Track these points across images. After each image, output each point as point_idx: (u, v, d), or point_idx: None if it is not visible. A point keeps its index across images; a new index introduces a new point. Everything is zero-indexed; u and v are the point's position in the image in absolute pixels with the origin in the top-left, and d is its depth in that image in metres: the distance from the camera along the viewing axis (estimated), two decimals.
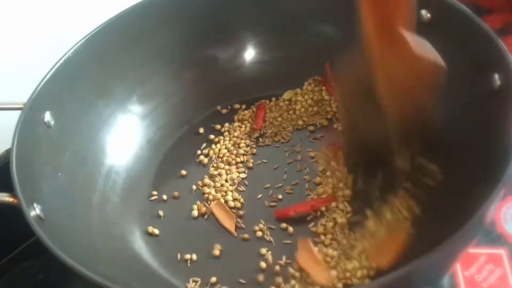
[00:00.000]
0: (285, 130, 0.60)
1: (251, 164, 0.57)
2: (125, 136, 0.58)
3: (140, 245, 0.51)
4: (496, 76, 0.43)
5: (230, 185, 0.55)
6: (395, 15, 0.37)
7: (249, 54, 0.64)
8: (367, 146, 0.47)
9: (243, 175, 0.56)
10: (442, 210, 0.45)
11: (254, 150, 0.58)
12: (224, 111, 0.63)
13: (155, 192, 0.56)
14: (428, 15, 0.51)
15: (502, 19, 0.66)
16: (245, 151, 0.58)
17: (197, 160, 0.58)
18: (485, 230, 0.49)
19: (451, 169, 0.47)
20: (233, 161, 0.57)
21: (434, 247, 0.33)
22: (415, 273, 0.34)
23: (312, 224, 0.50)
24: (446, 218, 0.42)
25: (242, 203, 0.54)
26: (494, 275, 0.47)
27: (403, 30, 0.38)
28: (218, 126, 0.61)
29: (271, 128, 0.60)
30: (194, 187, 0.56)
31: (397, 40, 0.38)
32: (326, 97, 0.61)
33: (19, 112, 0.48)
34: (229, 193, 0.54)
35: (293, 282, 0.46)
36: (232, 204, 0.53)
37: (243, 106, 0.63)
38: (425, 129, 0.45)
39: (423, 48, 0.39)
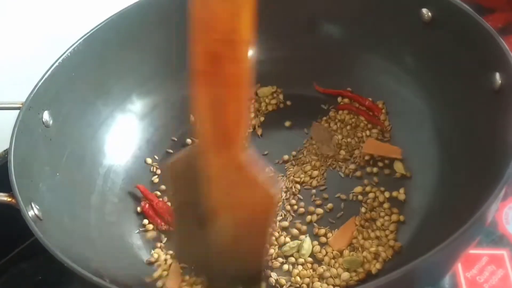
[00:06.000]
0: None
1: None
2: (124, 136, 0.58)
3: (138, 245, 0.51)
4: (497, 75, 0.43)
5: None
6: (234, 133, 0.35)
7: None
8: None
9: None
10: (443, 210, 0.45)
11: None
12: None
13: (156, 193, 0.56)
14: (429, 13, 0.51)
15: (504, 19, 0.66)
16: None
17: None
18: (487, 231, 0.49)
19: (451, 169, 0.47)
20: None
21: (435, 246, 0.33)
22: (416, 273, 0.34)
23: None
24: (447, 218, 0.41)
25: None
26: (495, 276, 0.46)
27: (241, 150, 0.35)
28: None
29: None
30: None
31: (233, 159, 0.35)
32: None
33: (17, 111, 0.48)
34: None
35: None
36: None
37: None
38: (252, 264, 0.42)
39: (260, 174, 0.36)
